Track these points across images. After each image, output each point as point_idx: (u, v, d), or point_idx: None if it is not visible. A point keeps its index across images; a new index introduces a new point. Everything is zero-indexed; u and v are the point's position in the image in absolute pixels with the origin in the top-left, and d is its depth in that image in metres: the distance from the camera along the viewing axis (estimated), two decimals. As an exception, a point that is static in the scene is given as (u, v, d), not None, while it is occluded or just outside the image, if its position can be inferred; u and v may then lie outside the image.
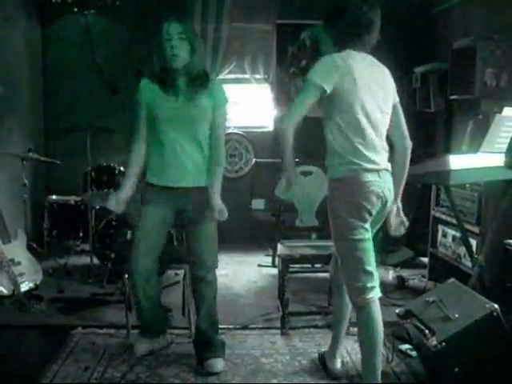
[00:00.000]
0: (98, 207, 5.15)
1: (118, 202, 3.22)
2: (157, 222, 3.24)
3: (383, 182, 2.80)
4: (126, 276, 3.56)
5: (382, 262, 5.50)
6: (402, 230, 3.06)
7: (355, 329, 3.79)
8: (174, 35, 3.00)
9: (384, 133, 2.89)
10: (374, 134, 2.78)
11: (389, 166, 2.87)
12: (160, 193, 3.20)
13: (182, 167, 3.16)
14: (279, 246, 4.01)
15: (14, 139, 5.45)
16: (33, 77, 6.04)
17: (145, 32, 5.68)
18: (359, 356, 3.41)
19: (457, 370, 2.82)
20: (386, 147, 2.88)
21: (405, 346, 3.46)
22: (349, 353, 3.51)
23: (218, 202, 3.25)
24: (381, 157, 2.81)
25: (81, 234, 5.40)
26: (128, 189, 3.24)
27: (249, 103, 6.56)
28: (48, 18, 6.16)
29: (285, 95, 5.95)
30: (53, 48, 6.24)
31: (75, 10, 5.96)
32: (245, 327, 3.92)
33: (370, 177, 2.74)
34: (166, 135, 3.12)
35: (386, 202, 2.85)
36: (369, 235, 2.83)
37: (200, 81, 3.12)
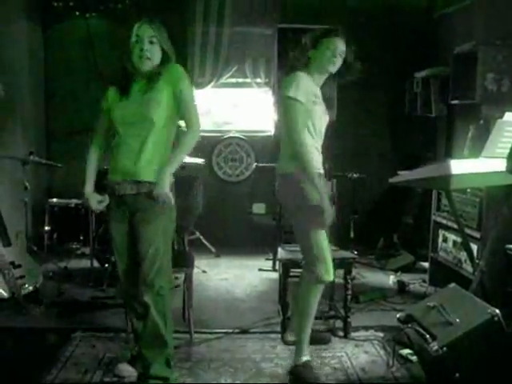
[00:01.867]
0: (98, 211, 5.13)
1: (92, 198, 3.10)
2: (123, 237, 3.06)
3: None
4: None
5: (382, 267, 5.51)
6: None
7: (356, 333, 3.82)
8: (145, 38, 2.91)
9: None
10: None
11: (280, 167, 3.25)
12: (116, 202, 3.06)
13: (125, 171, 2.97)
14: (280, 250, 4.00)
15: (16, 142, 5.45)
16: (34, 80, 6.05)
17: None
18: (359, 360, 3.44)
19: (458, 375, 2.81)
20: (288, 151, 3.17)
21: (405, 351, 3.45)
22: (349, 357, 3.50)
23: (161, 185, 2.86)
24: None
25: (81, 238, 5.41)
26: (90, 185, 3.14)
27: (250, 107, 6.57)
28: (50, 21, 6.17)
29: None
30: (54, 51, 6.24)
31: (77, 13, 5.98)
32: (245, 331, 3.90)
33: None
34: (118, 137, 3.00)
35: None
36: None
37: (155, 76, 2.94)
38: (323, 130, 3.25)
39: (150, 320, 2.96)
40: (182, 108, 2.96)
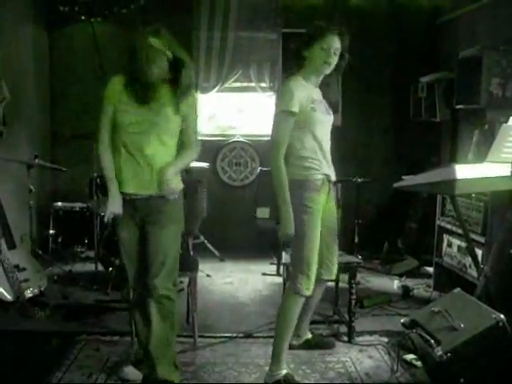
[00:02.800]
0: (103, 214, 5.14)
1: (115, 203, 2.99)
2: (133, 241, 3.06)
3: None
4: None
5: (387, 272, 5.50)
6: None
7: (360, 338, 3.81)
8: (155, 52, 2.83)
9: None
10: None
11: None
12: (126, 206, 3.01)
13: (142, 175, 2.95)
14: (284, 254, 4.00)
15: (21, 145, 5.47)
16: (39, 83, 6.07)
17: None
18: (363, 365, 3.43)
19: (462, 380, 2.81)
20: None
21: (410, 356, 3.44)
22: (353, 362, 3.50)
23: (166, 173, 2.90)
24: None
25: (86, 241, 5.43)
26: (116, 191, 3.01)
27: (254, 111, 6.58)
28: (55, 25, 6.20)
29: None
30: (60, 55, 6.27)
31: (82, 17, 5.98)
32: (249, 336, 3.90)
33: None
34: (127, 142, 2.95)
35: None
36: None
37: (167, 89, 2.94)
38: (328, 132, 3.18)
39: (156, 322, 2.99)
40: (184, 132, 3.00)
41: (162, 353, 3.03)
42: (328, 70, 3.10)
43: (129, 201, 2.99)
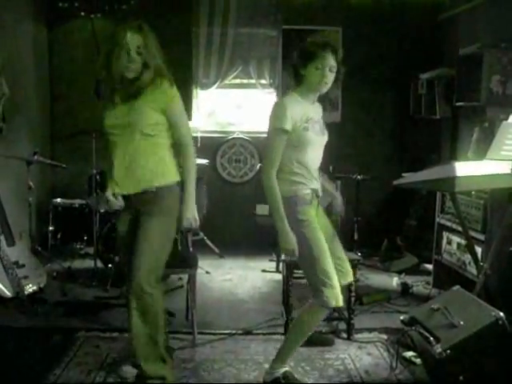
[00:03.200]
0: (102, 210, 5.15)
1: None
2: (127, 232, 3.08)
3: None
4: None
5: (386, 269, 5.51)
6: None
7: (359, 335, 3.82)
8: (133, 48, 2.85)
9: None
10: None
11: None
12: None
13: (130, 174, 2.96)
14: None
15: (20, 142, 5.46)
16: (39, 80, 6.06)
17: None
18: (362, 362, 3.44)
19: (461, 377, 2.81)
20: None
21: (409, 353, 3.44)
22: (352, 359, 3.50)
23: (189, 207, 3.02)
24: None
25: (85, 238, 5.42)
26: None
27: (254, 108, 6.57)
28: (55, 21, 6.18)
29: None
30: (59, 52, 6.26)
31: (82, 13, 5.98)
32: (248, 333, 3.90)
33: None
34: (112, 143, 2.98)
35: None
36: None
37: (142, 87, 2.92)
38: (320, 152, 3.14)
39: (136, 318, 2.95)
40: (172, 127, 2.99)
41: (146, 351, 2.98)
42: (325, 89, 3.05)
43: (124, 196, 3.00)
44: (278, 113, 2.99)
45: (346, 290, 3.78)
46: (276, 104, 3.09)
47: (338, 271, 3.18)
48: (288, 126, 2.94)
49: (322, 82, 2.99)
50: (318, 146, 3.11)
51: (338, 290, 3.01)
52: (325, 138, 3.14)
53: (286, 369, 3.16)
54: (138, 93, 2.90)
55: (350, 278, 3.37)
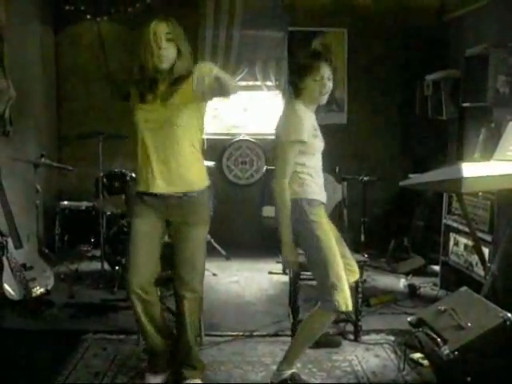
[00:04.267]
0: (109, 213, 5.17)
1: None
2: (145, 234, 3.01)
3: None
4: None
5: (393, 270, 5.50)
6: None
7: (367, 337, 3.81)
8: (162, 35, 2.83)
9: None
10: None
11: None
12: (147, 200, 3.00)
13: (166, 173, 2.92)
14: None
15: (27, 145, 5.48)
16: (46, 83, 6.08)
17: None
18: (370, 364, 3.43)
19: (469, 379, 2.80)
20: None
21: (416, 355, 3.43)
22: (360, 361, 3.49)
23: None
24: None
25: (92, 240, 5.43)
26: None
27: (260, 110, 6.57)
28: (61, 24, 6.21)
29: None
30: (66, 54, 6.28)
31: (88, 16, 6.01)
32: (256, 334, 3.90)
33: None
34: (144, 141, 2.92)
35: None
36: None
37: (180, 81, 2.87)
38: (320, 155, 3.20)
39: (187, 321, 3.06)
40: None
41: (188, 355, 3.13)
42: (324, 100, 3.11)
43: (156, 196, 2.95)
44: (295, 125, 3.02)
45: (354, 291, 3.78)
46: (291, 116, 3.09)
47: (346, 270, 3.19)
48: (305, 137, 2.99)
49: (322, 92, 3.05)
50: (320, 151, 3.18)
51: (348, 294, 3.00)
52: (323, 145, 3.21)
53: (293, 370, 3.16)
54: (175, 85, 2.86)
55: (358, 275, 3.42)
